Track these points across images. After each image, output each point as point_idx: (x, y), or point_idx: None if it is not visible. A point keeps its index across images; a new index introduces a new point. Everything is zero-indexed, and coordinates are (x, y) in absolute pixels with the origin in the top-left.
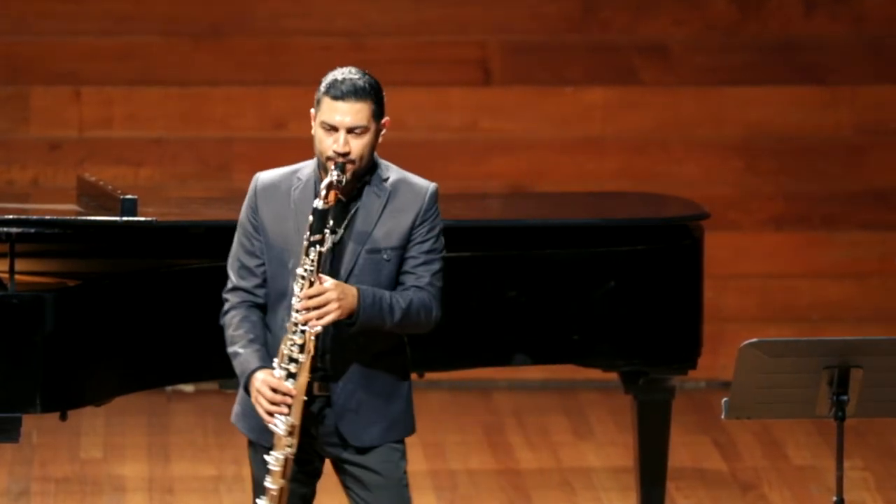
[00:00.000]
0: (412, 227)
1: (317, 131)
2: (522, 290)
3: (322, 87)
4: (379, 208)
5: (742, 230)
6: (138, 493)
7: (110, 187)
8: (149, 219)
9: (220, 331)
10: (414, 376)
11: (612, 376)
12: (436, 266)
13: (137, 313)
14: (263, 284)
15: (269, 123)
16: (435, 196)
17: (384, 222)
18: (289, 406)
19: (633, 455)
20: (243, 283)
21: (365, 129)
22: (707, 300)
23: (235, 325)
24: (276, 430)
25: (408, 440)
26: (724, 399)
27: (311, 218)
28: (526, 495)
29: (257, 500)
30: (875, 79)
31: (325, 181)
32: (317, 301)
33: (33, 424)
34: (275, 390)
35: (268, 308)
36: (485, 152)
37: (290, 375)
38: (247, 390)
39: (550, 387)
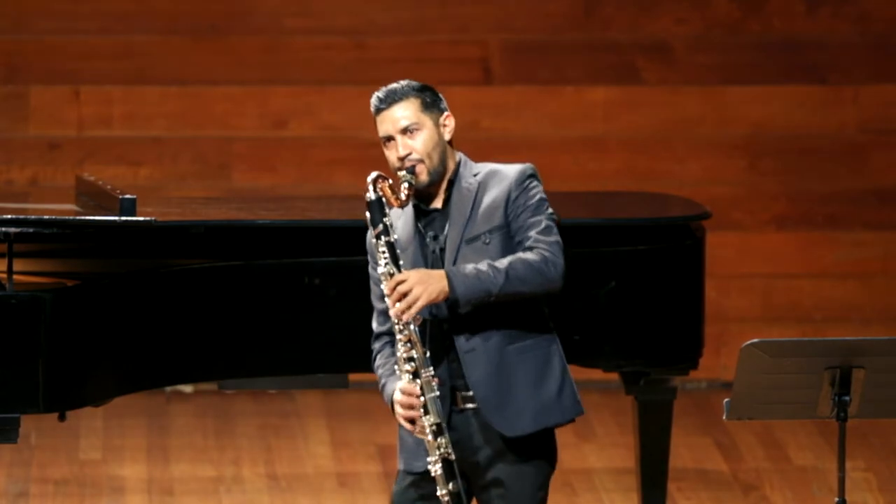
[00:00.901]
0: (507, 204)
1: (385, 152)
2: None
3: (371, 109)
4: (470, 201)
5: (744, 230)
6: (137, 494)
7: (109, 187)
8: (148, 218)
9: (220, 331)
10: None
11: (614, 377)
12: (543, 224)
13: (136, 314)
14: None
15: (269, 122)
16: (525, 172)
17: (479, 212)
18: (425, 407)
19: (634, 456)
20: (380, 329)
21: (418, 126)
22: (709, 300)
23: (381, 363)
24: (424, 436)
25: None
26: (726, 399)
27: (368, 214)
28: None
29: None
30: (878, 78)
31: (404, 187)
32: (400, 290)
33: (32, 425)
34: (403, 396)
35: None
36: (486, 152)
37: (414, 375)
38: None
39: None
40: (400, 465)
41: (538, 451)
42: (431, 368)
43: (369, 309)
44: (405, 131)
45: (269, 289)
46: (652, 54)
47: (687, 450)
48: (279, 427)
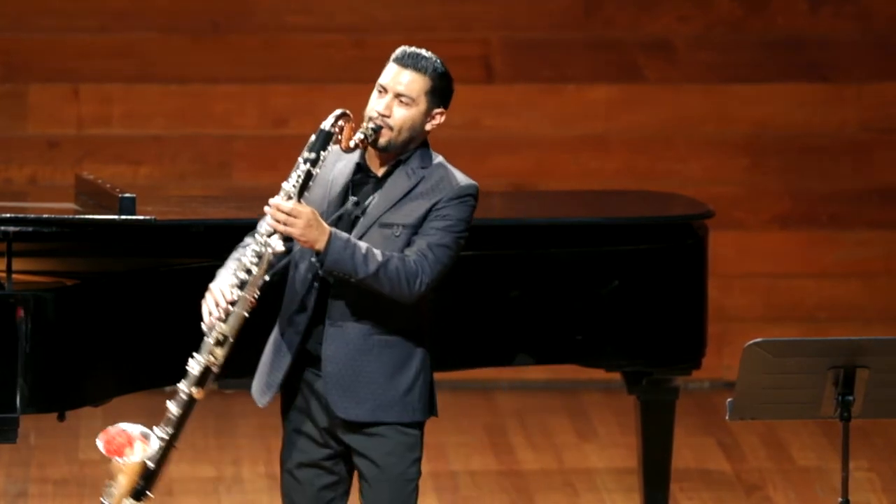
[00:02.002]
0: (429, 210)
1: (372, 93)
2: (525, 290)
3: (392, 54)
4: (404, 188)
5: (747, 229)
6: None
7: (109, 185)
8: (147, 217)
9: None
10: None
11: (616, 376)
12: (445, 241)
13: (136, 313)
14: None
15: (270, 121)
16: (467, 190)
17: (405, 203)
18: (227, 315)
19: (636, 456)
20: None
21: (411, 102)
22: (711, 300)
23: (235, 250)
24: (207, 337)
25: None
26: (729, 399)
27: (313, 137)
28: (528, 497)
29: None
30: (881, 76)
31: (358, 136)
32: (284, 214)
33: (31, 425)
34: (213, 293)
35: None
36: (487, 150)
37: (242, 285)
38: None
39: (553, 387)
40: (254, 397)
41: (402, 442)
42: (257, 293)
43: None
44: (399, 96)
45: (268, 288)
46: (653, 52)
47: (689, 450)
48: (279, 427)
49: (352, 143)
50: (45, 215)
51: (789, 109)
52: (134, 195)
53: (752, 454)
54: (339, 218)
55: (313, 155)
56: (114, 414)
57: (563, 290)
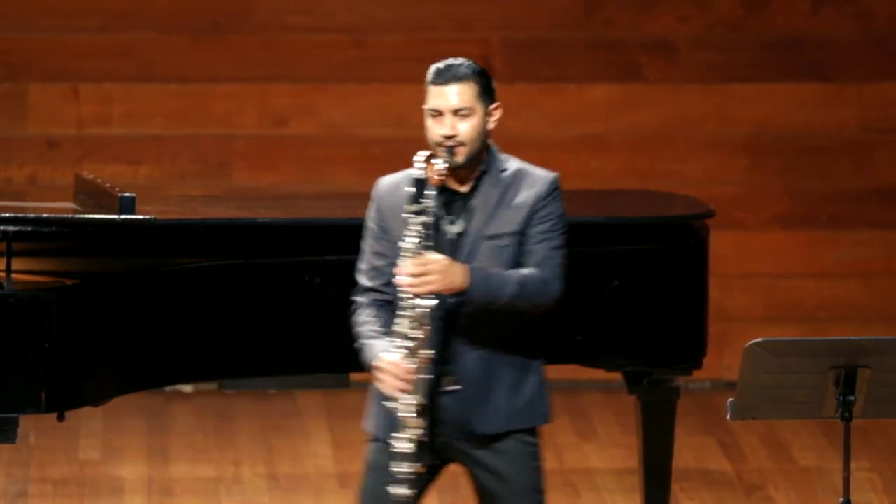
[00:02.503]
0: (531, 212)
1: (427, 122)
2: None
3: (427, 79)
4: (497, 197)
5: (747, 229)
6: (137, 494)
7: (108, 185)
8: (147, 217)
9: (220, 330)
10: None
11: (616, 377)
12: (556, 242)
13: (136, 313)
14: (391, 283)
15: (270, 121)
16: (555, 183)
17: (503, 210)
18: (414, 386)
19: (637, 456)
20: (372, 283)
21: (470, 111)
22: (712, 300)
23: (362, 321)
24: (403, 413)
25: None
26: (730, 399)
27: (407, 189)
28: None
29: (389, 489)
30: (882, 76)
31: (438, 167)
32: (419, 271)
33: (31, 425)
34: (393, 367)
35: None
36: None
37: (411, 354)
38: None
39: (553, 387)
40: (378, 432)
41: (527, 452)
42: (430, 350)
43: None
44: (457, 112)
45: (269, 288)
46: (654, 52)
47: (690, 450)
48: (280, 427)
49: (437, 177)
50: (45, 215)
51: (789, 109)
52: (134, 195)
53: (753, 454)
54: (438, 240)
55: (420, 205)
56: (114, 414)
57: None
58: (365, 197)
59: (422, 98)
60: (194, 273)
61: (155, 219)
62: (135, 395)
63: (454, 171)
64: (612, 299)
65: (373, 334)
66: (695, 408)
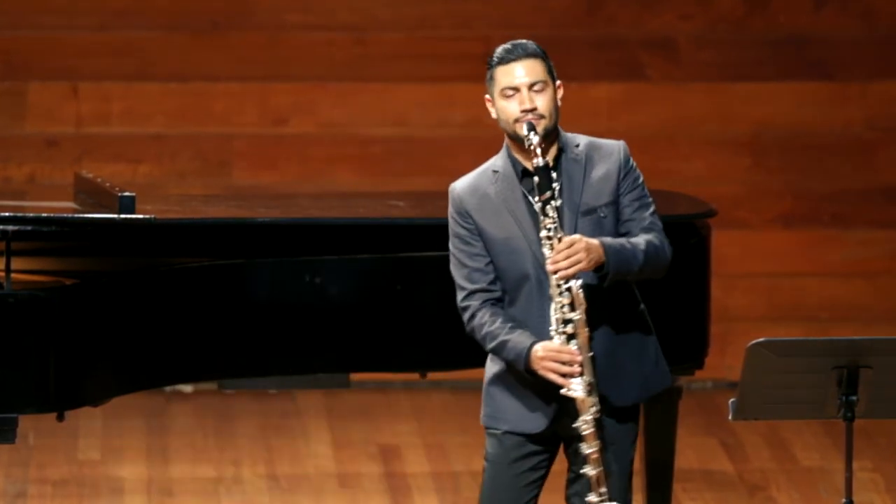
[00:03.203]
0: (618, 180)
1: (499, 105)
2: None
3: (492, 63)
4: (581, 172)
5: (750, 228)
6: (137, 495)
7: (108, 184)
8: (147, 216)
9: (220, 330)
10: (415, 376)
11: None
12: (652, 208)
13: (136, 312)
14: (496, 280)
15: (270, 119)
16: (626, 151)
17: (590, 183)
18: (581, 365)
19: (638, 456)
20: (479, 284)
21: (545, 84)
22: (714, 299)
23: (489, 321)
24: (576, 394)
25: (409, 441)
26: (732, 399)
27: (535, 179)
28: None
29: (581, 470)
30: (885, 74)
31: (529, 141)
32: (566, 252)
33: (30, 425)
34: (559, 353)
35: (507, 299)
36: (489, 149)
37: (570, 337)
38: (528, 371)
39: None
40: (502, 427)
41: (633, 413)
42: (587, 330)
43: (371, 307)
44: (532, 86)
45: (269, 287)
46: (656, 51)
47: (692, 450)
48: (280, 427)
49: (538, 156)
50: (44, 214)
51: (792, 108)
52: (133, 194)
53: (755, 454)
54: (534, 222)
55: (550, 193)
56: (113, 414)
57: None
58: (365, 196)
59: (423, 97)
60: (194, 272)
61: (155, 218)
62: (134, 395)
63: (543, 143)
64: None
65: (509, 330)
66: (697, 408)
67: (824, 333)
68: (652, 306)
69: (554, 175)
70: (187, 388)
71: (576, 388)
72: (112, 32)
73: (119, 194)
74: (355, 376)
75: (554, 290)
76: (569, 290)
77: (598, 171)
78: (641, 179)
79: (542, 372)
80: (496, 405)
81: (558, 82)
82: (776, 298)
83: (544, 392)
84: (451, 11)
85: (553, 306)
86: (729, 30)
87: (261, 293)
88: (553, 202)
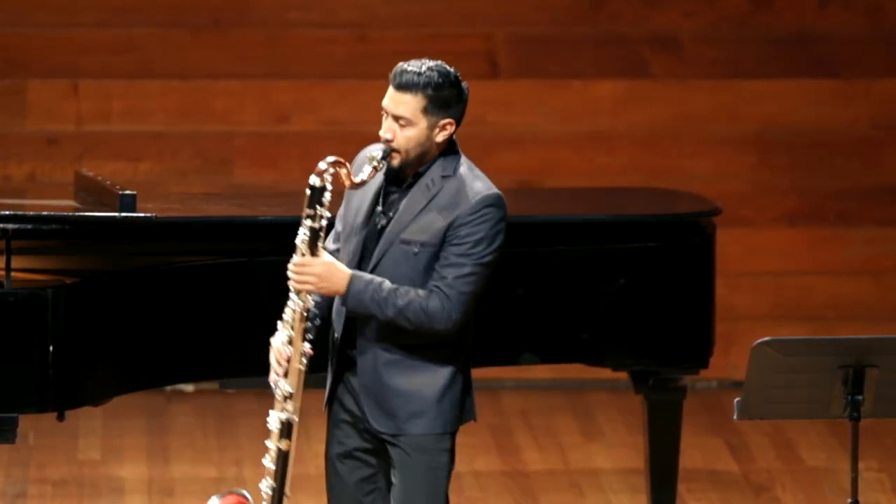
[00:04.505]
0: (448, 228)
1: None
2: (530, 288)
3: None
4: (422, 202)
5: (755, 226)
6: (137, 495)
7: (109, 182)
8: (148, 215)
9: (221, 329)
10: None
11: (622, 376)
12: (465, 270)
13: (136, 311)
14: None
15: (271, 117)
16: (484, 204)
17: (423, 217)
18: (286, 372)
19: (643, 456)
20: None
21: (409, 122)
22: (719, 298)
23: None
24: (275, 393)
25: None
26: (737, 399)
27: (308, 192)
28: (533, 497)
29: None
30: (891, 72)
31: (373, 163)
32: (299, 271)
33: (30, 425)
34: (273, 350)
35: None
36: (492, 147)
37: (290, 341)
38: None
39: (558, 387)
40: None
41: (429, 453)
42: (307, 344)
43: None
44: (397, 119)
45: (271, 286)
46: (660, 48)
47: (697, 450)
48: None
49: (358, 180)
50: (45, 213)
51: (797, 106)
52: (134, 192)
53: (761, 454)
54: (371, 227)
55: (311, 211)
56: (114, 413)
57: (568, 289)
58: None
59: None
60: (195, 271)
61: (155, 216)
62: (135, 395)
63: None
64: (618, 298)
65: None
66: (701, 407)
67: (830, 332)
68: (657, 305)
69: (327, 202)
70: (188, 387)
71: (278, 388)
72: (112, 30)
73: (120, 192)
74: None
75: (290, 293)
76: (294, 301)
77: (439, 211)
78: (477, 239)
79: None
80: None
81: (446, 120)
82: (781, 297)
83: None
84: (453, 8)
85: (287, 307)
86: (733, 27)
87: (262, 292)
88: (311, 221)
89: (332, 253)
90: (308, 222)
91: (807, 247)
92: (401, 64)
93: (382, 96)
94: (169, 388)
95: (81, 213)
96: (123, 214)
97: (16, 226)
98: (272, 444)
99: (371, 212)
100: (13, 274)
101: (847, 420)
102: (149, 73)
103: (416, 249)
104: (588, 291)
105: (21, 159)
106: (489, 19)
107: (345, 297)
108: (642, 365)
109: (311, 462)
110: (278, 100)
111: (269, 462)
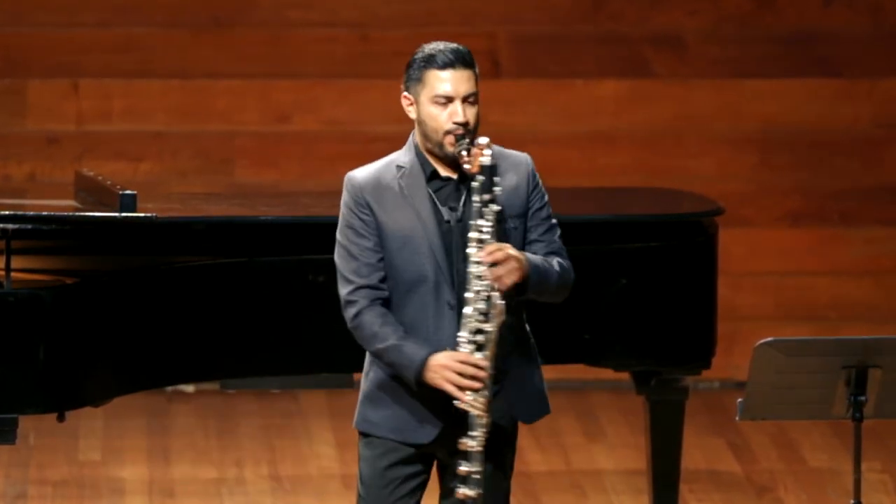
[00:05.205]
0: (528, 195)
1: (426, 109)
2: None
3: (421, 62)
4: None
5: (757, 226)
6: (138, 496)
7: (109, 182)
8: (148, 215)
9: (222, 329)
10: None
11: (624, 376)
12: (558, 231)
13: (137, 312)
14: (385, 279)
15: (272, 117)
16: (531, 164)
17: (501, 193)
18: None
19: (645, 457)
20: (368, 280)
21: (476, 97)
22: (721, 298)
23: (379, 321)
24: (473, 409)
25: None
26: (739, 399)
27: (479, 178)
28: (535, 498)
29: (457, 488)
30: (894, 71)
31: (459, 149)
32: (502, 257)
33: (30, 426)
34: (464, 364)
35: (395, 302)
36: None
37: (479, 348)
38: (417, 381)
39: (560, 387)
40: (387, 435)
41: (512, 439)
42: (494, 344)
43: None
44: (466, 99)
45: (271, 286)
46: (663, 47)
47: (699, 451)
48: (282, 427)
49: (471, 166)
50: (45, 213)
51: (800, 105)
52: (135, 192)
53: (763, 455)
54: (438, 228)
55: (490, 194)
56: (114, 414)
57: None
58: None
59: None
60: (196, 271)
61: (156, 217)
62: (135, 395)
63: (446, 157)
64: (620, 298)
65: (399, 336)
66: (704, 408)
67: (833, 333)
68: (659, 306)
69: (496, 180)
70: (189, 387)
71: (473, 402)
72: (113, 29)
73: (120, 192)
74: (359, 376)
75: (472, 297)
76: (488, 298)
77: (508, 182)
78: (547, 198)
79: (437, 381)
80: (380, 412)
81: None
82: (784, 297)
83: (432, 403)
84: (454, 8)
85: (468, 313)
86: (736, 26)
87: (263, 292)
88: (493, 205)
89: (373, 265)
90: (490, 207)
91: (809, 247)
92: (434, 46)
93: (384, 95)
94: (169, 388)
95: (81, 213)
96: (124, 214)
97: (16, 226)
98: (472, 466)
99: (436, 214)
100: (13, 274)
101: (850, 421)
102: (149, 72)
103: (513, 224)
104: (590, 291)
105: (21, 159)
106: (491, 19)
107: (528, 278)
108: (644, 365)
109: (314, 463)
110: (279, 99)
111: (469, 490)
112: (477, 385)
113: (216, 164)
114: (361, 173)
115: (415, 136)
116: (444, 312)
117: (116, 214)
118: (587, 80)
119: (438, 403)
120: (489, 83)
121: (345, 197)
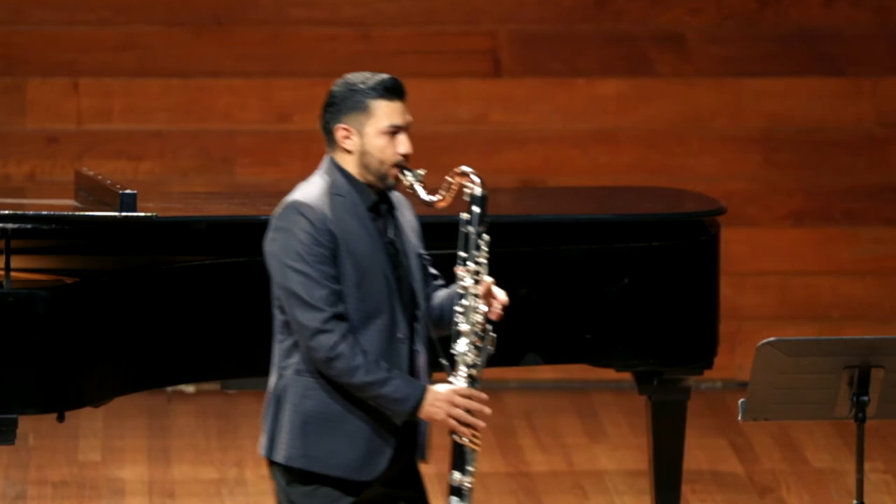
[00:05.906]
0: (419, 232)
1: (373, 141)
2: (533, 288)
3: (366, 92)
4: (408, 215)
5: (760, 226)
6: (138, 496)
7: (109, 182)
8: (148, 214)
9: (222, 329)
10: None
11: (626, 376)
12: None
13: (137, 311)
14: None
15: (273, 116)
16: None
17: (409, 227)
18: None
19: (647, 457)
20: (339, 309)
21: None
22: (724, 298)
23: (361, 353)
24: (473, 445)
25: None
26: (742, 400)
27: (474, 209)
28: (537, 499)
29: None
30: None
31: (413, 181)
32: (498, 293)
33: (30, 426)
34: (469, 400)
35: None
36: (495, 145)
37: (472, 381)
38: (412, 415)
39: (562, 387)
40: (346, 474)
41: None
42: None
43: None
44: (407, 129)
45: (271, 286)
46: (665, 46)
47: (701, 451)
48: None
49: (443, 199)
50: (45, 212)
51: (803, 104)
52: (135, 191)
53: (766, 455)
54: (385, 256)
55: (483, 226)
56: (114, 414)
57: (572, 288)
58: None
59: (428, 93)
60: (196, 271)
61: (156, 216)
62: (135, 396)
63: (387, 188)
64: (622, 297)
65: (386, 369)
66: (706, 408)
67: (836, 332)
68: (661, 305)
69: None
70: (189, 388)
71: (473, 438)
72: (113, 27)
73: (120, 192)
74: None
75: (470, 329)
76: (484, 333)
77: (408, 218)
78: None
79: (438, 415)
80: (325, 446)
81: None
82: (787, 297)
83: (379, 435)
84: (456, 6)
85: (463, 345)
86: (739, 24)
87: (264, 292)
88: (486, 236)
89: (339, 293)
90: (484, 239)
91: (813, 246)
92: (367, 76)
93: None
94: (170, 388)
95: (81, 213)
96: (124, 214)
97: (15, 225)
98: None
99: (375, 236)
100: (13, 274)
101: (852, 421)
102: (150, 71)
103: (426, 258)
104: (592, 291)
105: (21, 158)
106: (492, 17)
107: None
108: (646, 365)
109: None
110: (280, 98)
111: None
112: (481, 423)
113: (217, 163)
114: (315, 201)
115: (343, 165)
116: (397, 346)
117: (117, 214)
118: (589, 79)
119: (383, 434)
120: (490, 82)
121: (302, 224)
